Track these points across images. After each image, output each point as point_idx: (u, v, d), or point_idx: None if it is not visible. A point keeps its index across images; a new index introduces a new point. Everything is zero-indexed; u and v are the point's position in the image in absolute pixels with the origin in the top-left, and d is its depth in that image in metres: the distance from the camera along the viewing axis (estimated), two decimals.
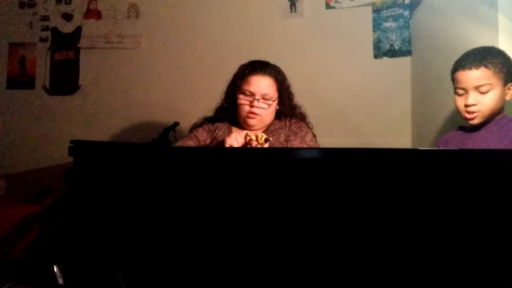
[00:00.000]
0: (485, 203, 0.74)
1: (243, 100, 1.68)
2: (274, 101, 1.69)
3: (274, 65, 1.74)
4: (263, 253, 0.79)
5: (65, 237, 0.90)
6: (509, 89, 1.41)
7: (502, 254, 0.74)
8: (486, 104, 1.39)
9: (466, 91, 1.41)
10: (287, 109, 1.75)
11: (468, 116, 1.42)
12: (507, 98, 1.42)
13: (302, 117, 1.79)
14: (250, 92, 1.67)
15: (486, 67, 1.38)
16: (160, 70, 2.60)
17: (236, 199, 0.80)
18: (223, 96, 1.78)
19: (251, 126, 1.69)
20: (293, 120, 1.74)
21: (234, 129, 1.74)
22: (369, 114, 2.27)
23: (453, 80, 1.46)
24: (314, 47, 2.34)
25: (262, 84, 1.67)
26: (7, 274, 0.87)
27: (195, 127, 1.78)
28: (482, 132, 1.42)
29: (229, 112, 1.75)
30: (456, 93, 1.45)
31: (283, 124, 1.73)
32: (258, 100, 1.65)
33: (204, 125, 1.76)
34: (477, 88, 1.39)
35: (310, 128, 1.76)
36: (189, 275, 0.81)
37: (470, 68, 1.40)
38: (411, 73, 2.25)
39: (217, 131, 1.72)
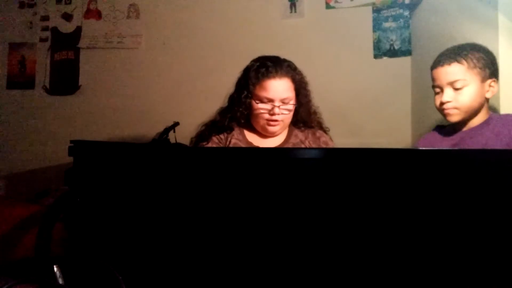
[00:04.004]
0: (487, 204, 0.74)
1: (261, 108, 1.53)
2: (294, 104, 1.55)
3: (287, 61, 1.57)
4: (265, 254, 0.79)
5: (65, 237, 0.90)
6: (490, 85, 1.37)
7: (502, 257, 0.74)
8: (462, 101, 1.35)
9: (441, 88, 1.39)
10: (304, 111, 1.61)
11: (445, 113, 1.38)
12: (488, 95, 1.38)
13: (320, 125, 1.65)
14: (268, 98, 1.51)
15: (459, 62, 1.35)
16: (160, 70, 2.60)
17: (236, 199, 0.80)
18: (230, 100, 1.61)
19: (272, 133, 1.57)
20: (317, 134, 1.61)
21: (248, 134, 1.61)
22: (369, 114, 2.27)
23: (432, 79, 1.44)
24: (314, 47, 2.34)
25: (280, 88, 1.51)
26: (7, 274, 0.87)
27: (199, 141, 1.60)
28: (472, 134, 1.38)
29: (241, 121, 1.59)
30: (434, 91, 1.43)
31: (303, 137, 1.60)
32: (278, 106, 1.50)
33: (214, 138, 1.58)
34: (451, 84, 1.35)
35: (328, 136, 1.64)
36: (190, 275, 0.81)
37: (442, 65, 1.38)
38: (411, 73, 2.25)
39: (229, 139, 1.57)
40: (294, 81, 1.54)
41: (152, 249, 0.83)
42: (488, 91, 1.37)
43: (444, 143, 1.44)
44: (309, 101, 1.62)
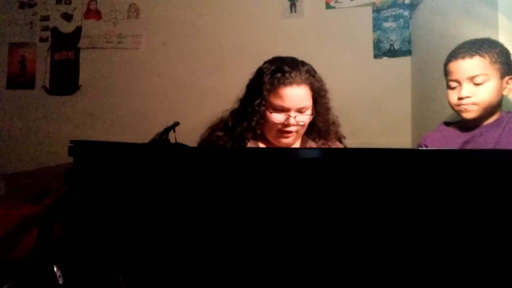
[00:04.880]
0: (489, 206, 0.74)
1: (275, 119, 1.39)
2: (310, 114, 1.41)
3: (305, 64, 1.42)
4: (265, 255, 0.79)
5: (65, 237, 0.90)
6: (507, 83, 1.31)
7: (503, 260, 0.74)
8: (482, 96, 1.28)
9: (459, 83, 1.31)
10: (322, 121, 1.47)
11: (462, 108, 1.31)
12: (505, 93, 1.32)
13: (338, 137, 1.52)
14: (283, 107, 1.37)
15: (481, 56, 1.29)
16: (160, 70, 2.60)
17: (236, 200, 0.80)
18: (242, 105, 1.47)
19: (284, 145, 1.44)
20: (332, 147, 1.47)
21: (262, 145, 1.48)
22: (369, 114, 2.27)
23: (446, 73, 1.37)
24: (314, 47, 2.34)
25: (297, 98, 1.36)
26: (7, 274, 0.87)
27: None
28: (484, 131, 1.33)
29: (257, 131, 1.45)
30: (448, 86, 1.35)
31: None
32: (294, 117, 1.37)
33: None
34: (471, 79, 1.28)
35: (343, 145, 1.52)
36: (190, 275, 0.81)
37: (463, 58, 1.30)
38: (411, 73, 2.25)
39: None
40: (312, 88, 1.40)
41: (152, 249, 0.83)
42: (505, 88, 1.31)
43: (454, 141, 1.39)
44: (327, 110, 1.48)
